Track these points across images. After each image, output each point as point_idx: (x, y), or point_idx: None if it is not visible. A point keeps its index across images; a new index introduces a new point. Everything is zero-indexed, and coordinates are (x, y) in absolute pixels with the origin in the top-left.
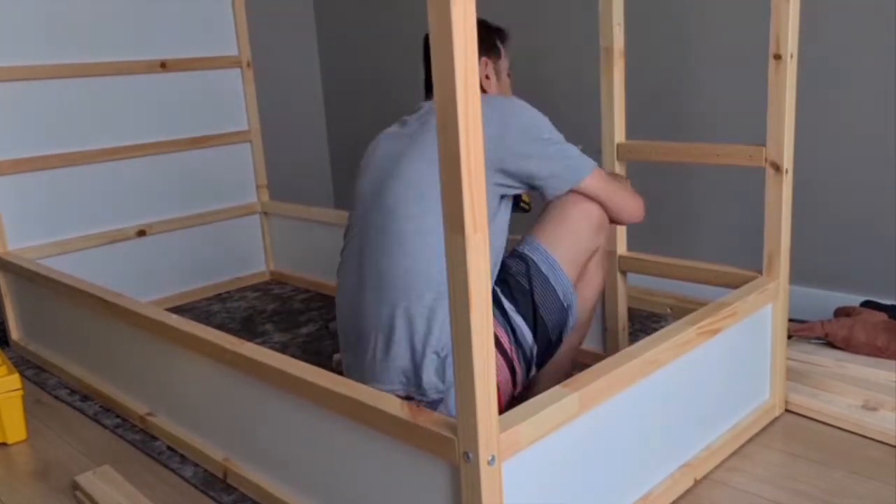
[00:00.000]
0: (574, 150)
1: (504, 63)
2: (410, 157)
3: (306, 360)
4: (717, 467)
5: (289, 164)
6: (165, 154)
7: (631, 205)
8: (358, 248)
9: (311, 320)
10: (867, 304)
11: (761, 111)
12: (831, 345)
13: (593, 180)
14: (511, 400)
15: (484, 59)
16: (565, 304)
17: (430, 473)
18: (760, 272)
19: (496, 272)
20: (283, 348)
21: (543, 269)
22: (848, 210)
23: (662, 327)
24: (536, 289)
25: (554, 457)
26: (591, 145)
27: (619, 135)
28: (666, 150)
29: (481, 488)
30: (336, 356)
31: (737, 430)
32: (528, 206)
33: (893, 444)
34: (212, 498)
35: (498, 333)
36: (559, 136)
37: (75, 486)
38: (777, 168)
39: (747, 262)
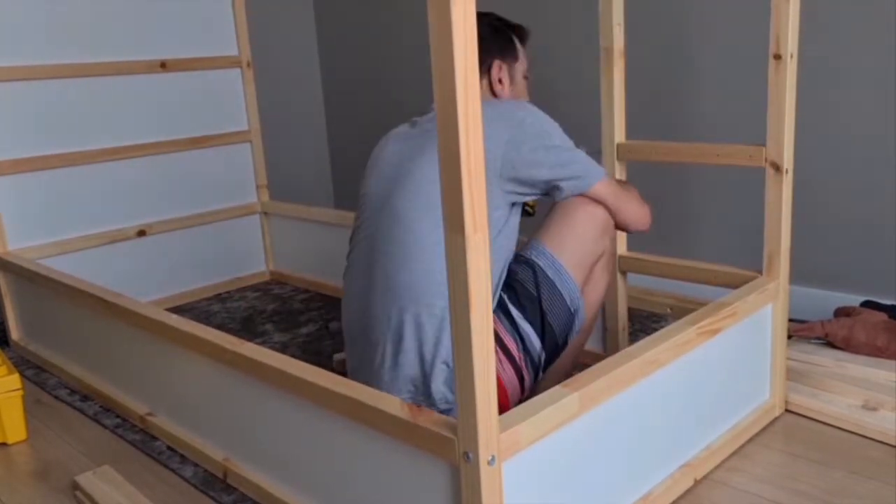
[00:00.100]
0: (584, 156)
1: (521, 65)
2: (419, 163)
3: (306, 360)
4: (717, 467)
5: (289, 164)
6: (165, 154)
7: (638, 212)
8: (366, 253)
9: (311, 320)
10: (867, 304)
11: (761, 111)
12: (831, 345)
13: (603, 187)
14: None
15: (497, 61)
16: (572, 309)
17: (430, 473)
18: (760, 272)
19: (503, 278)
20: (283, 348)
21: (550, 274)
22: (848, 210)
23: (662, 327)
24: (544, 295)
25: (554, 457)
26: (592, 146)
27: (619, 135)
28: (666, 150)
29: (481, 488)
30: (336, 356)
31: (737, 430)
32: (532, 210)
33: (893, 444)
34: (212, 498)
35: (506, 341)
36: (569, 143)
37: (75, 486)
38: (777, 168)
39: (747, 262)
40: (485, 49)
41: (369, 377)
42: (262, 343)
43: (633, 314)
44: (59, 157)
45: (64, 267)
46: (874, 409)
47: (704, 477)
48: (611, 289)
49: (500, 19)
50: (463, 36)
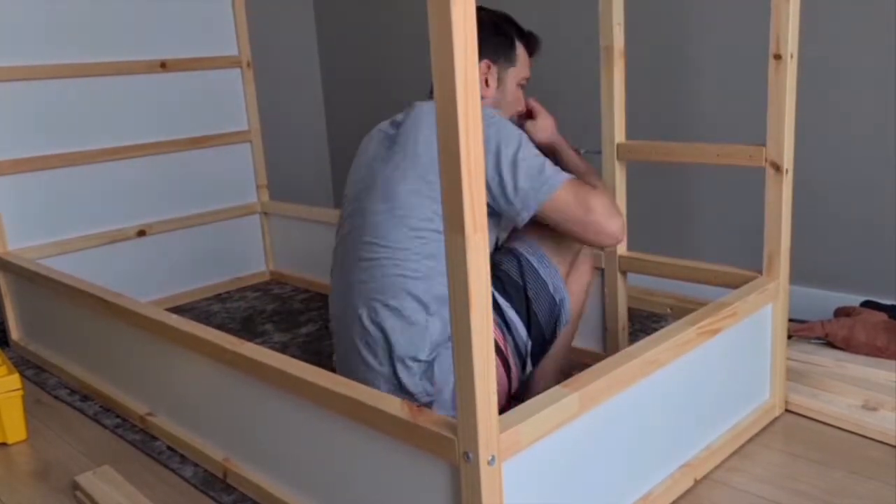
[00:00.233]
0: (544, 167)
1: (518, 72)
2: (384, 167)
3: (306, 360)
4: (717, 467)
5: (289, 164)
6: (165, 154)
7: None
8: (343, 253)
9: (311, 320)
10: (867, 304)
11: (761, 111)
12: (831, 345)
13: (565, 193)
14: (508, 398)
15: (486, 61)
16: (556, 298)
17: (430, 473)
18: (760, 272)
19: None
20: (283, 348)
21: (534, 262)
22: (848, 210)
23: (662, 327)
24: (529, 283)
25: (554, 457)
26: (592, 146)
27: (619, 135)
28: (666, 150)
29: (481, 488)
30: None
31: (737, 430)
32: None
33: (893, 444)
34: (212, 498)
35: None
36: (531, 158)
37: (75, 486)
38: (777, 168)
39: (747, 262)
40: (493, 47)
41: (349, 374)
42: (262, 343)
43: (633, 314)
44: (59, 157)
45: (64, 267)
46: (874, 409)
47: (704, 477)
48: (611, 289)
49: (509, 21)
50: (463, 36)
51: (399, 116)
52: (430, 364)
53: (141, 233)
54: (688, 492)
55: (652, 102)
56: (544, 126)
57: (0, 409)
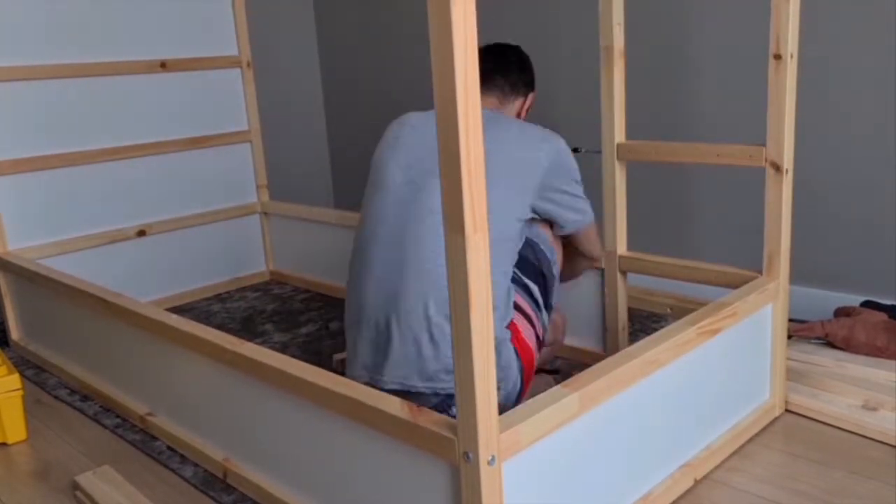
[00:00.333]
0: (585, 199)
1: (533, 97)
2: None
3: (306, 360)
4: (717, 467)
5: (289, 164)
6: (165, 154)
7: (598, 247)
8: (396, 241)
9: (311, 320)
10: (867, 304)
11: (761, 111)
12: (831, 345)
13: (592, 228)
14: (539, 347)
15: (533, 94)
16: (554, 273)
17: (430, 473)
18: (760, 272)
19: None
20: (283, 348)
21: (544, 248)
22: (848, 210)
23: (662, 327)
24: (543, 262)
25: (554, 457)
26: (592, 146)
27: (619, 135)
28: (666, 150)
29: (481, 488)
30: (336, 356)
31: (737, 430)
32: None
33: (893, 444)
34: (212, 498)
35: (525, 308)
36: (580, 185)
37: (75, 486)
38: (777, 168)
39: (747, 262)
40: (529, 79)
41: (398, 367)
42: (262, 343)
43: (633, 314)
44: (59, 157)
45: (64, 267)
46: (874, 409)
47: (704, 477)
48: (611, 289)
49: (528, 58)
50: (463, 36)
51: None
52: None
53: (141, 233)
54: (688, 492)
55: (652, 102)
56: None
57: (0, 409)
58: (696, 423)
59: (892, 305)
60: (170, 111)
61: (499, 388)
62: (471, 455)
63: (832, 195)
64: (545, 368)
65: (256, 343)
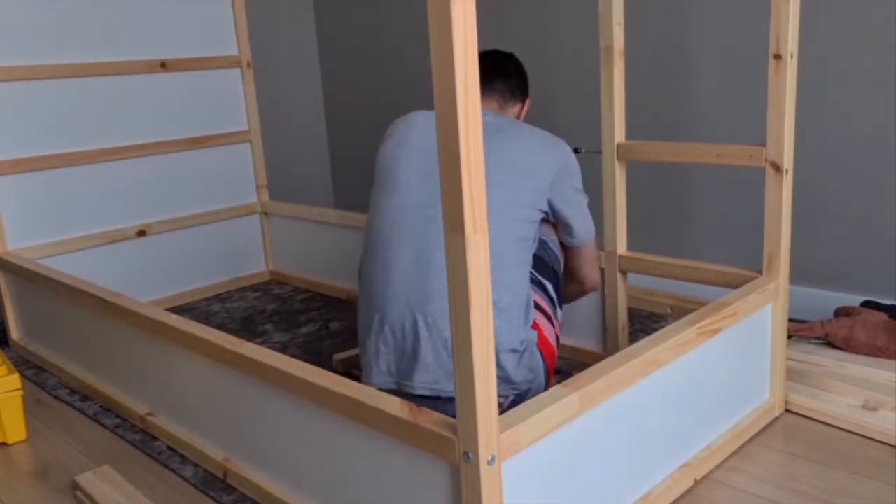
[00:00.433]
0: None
1: (530, 102)
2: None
3: (306, 360)
4: (717, 467)
5: (289, 164)
6: (165, 154)
7: (597, 273)
8: (419, 243)
9: (311, 320)
10: (867, 304)
11: (761, 111)
12: (831, 345)
13: (593, 240)
14: (557, 342)
15: (531, 100)
16: (560, 269)
17: (430, 473)
18: (760, 272)
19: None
20: (283, 348)
21: (554, 248)
22: (848, 210)
23: (662, 327)
24: (553, 261)
25: (554, 457)
26: (592, 146)
27: (619, 135)
28: (666, 150)
29: (481, 488)
30: (336, 356)
31: (737, 430)
32: None
33: (893, 444)
34: (212, 498)
35: (544, 306)
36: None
37: (75, 486)
38: (777, 168)
39: (747, 262)
40: (526, 84)
41: (427, 370)
42: (262, 343)
43: (633, 314)
44: (59, 157)
45: (64, 267)
46: (874, 409)
47: (704, 477)
48: (611, 289)
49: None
50: (463, 36)
51: None
52: (523, 353)
53: (141, 233)
54: (688, 492)
55: (652, 102)
56: None
57: (0, 409)
58: (696, 423)
59: (892, 305)
60: (170, 111)
61: (528, 390)
62: (471, 455)
63: (832, 195)
64: None
65: (256, 343)
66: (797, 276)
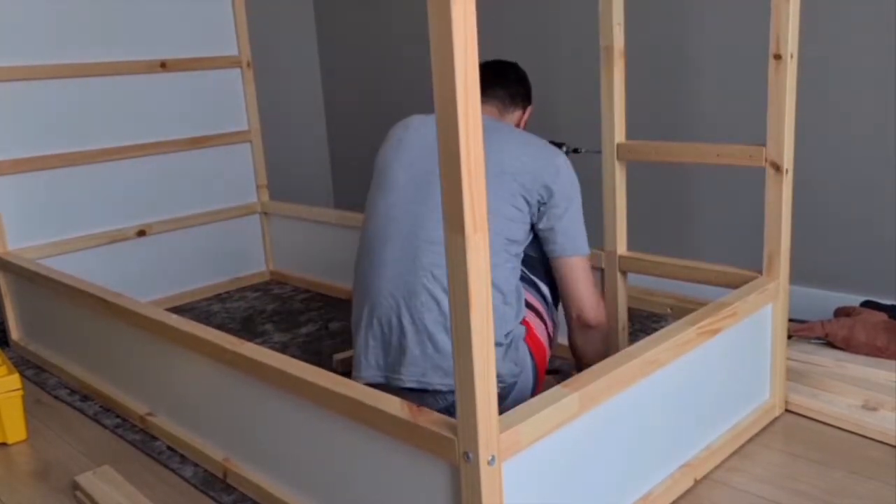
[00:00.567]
0: (583, 229)
1: (531, 110)
2: None
3: (306, 360)
4: (717, 467)
5: (289, 164)
6: (165, 154)
7: (596, 299)
8: (408, 239)
9: (311, 320)
10: (867, 304)
11: (761, 111)
12: (831, 345)
13: (582, 261)
14: (550, 343)
15: (531, 107)
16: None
17: (430, 473)
18: (760, 272)
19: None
20: (283, 348)
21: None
22: (848, 210)
23: (662, 327)
24: (538, 252)
25: (554, 457)
26: (592, 146)
27: (619, 135)
28: (666, 150)
29: (481, 488)
30: (336, 356)
31: (737, 430)
32: None
33: (893, 444)
34: (212, 498)
35: (536, 305)
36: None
37: (75, 486)
38: (777, 168)
39: (747, 262)
40: (527, 93)
41: (414, 366)
42: (262, 343)
43: (633, 314)
44: (59, 157)
45: (64, 267)
46: (874, 409)
47: (704, 477)
48: (611, 289)
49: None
50: (463, 36)
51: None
52: (508, 347)
53: (141, 233)
54: (688, 492)
55: (652, 102)
56: None
57: (0, 409)
58: (696, 423)
59: (892, 305)
60: (170, 111)
61: (514, 384)
62: (471, 455)
63: (832, 195)
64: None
65: (256, 343)
66: (797, 276)
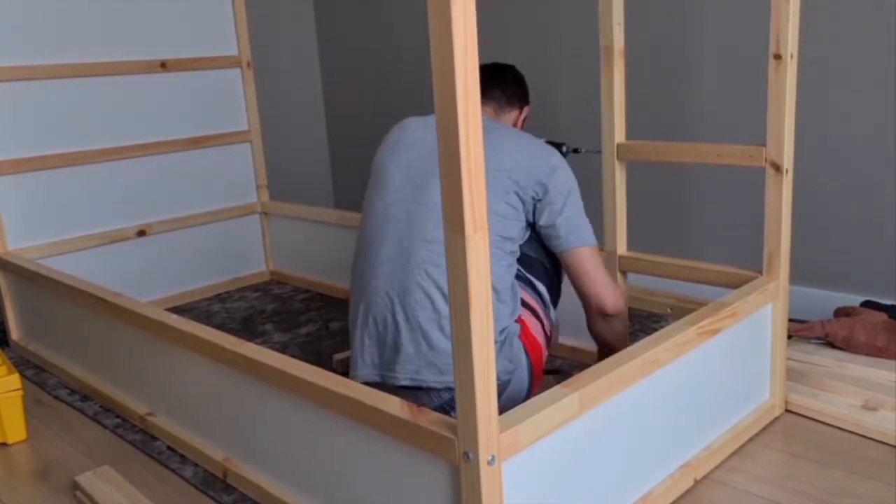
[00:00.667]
0: (585, 221)
1: (528, 110)
2: None
3: (306, 360)
4: (717, 467)
5: (289, 164)
6: (165, 154)
7: (610, 287)
8: (404, 239)
9: (311, 320)
10: (867, 304)
11: (761, 111)
12: (831, 345)
13: (591, 251)
14: (547, 343)
15: (529, 107)
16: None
17: (430, 473)
18: (760, 272)
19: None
20: (283, 348)
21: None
22: (848, 210)
23: (662, 327)
24: (548, 257)
25: (554, 457)
26: (592, 146)
27: (619, 135)
28: (666, 150)
29: (481, 488)
30: (336, 356)
31: (737, 430)
32: None
33: (893, 444)
34: (212, 498)
35: (532, 304)
36: (580, 203)
37: (75, 486)
38: (777, 168)
39: (747, 262)
40: (524, 93)
41: (409, 363)
42: (262, 343)
43: (633, 314)
44: (59, 157)
45: (64, 267)
46: (874, 409)
47: (704, 477)
48: None
49: (522, 76)
50: (463, 36)
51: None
52: (503, 344)
53: (141, 233)
54: (688, 492)
55: (652, 102)
56: None
57: (0, 409)
58: (696, 423)
59: (892, 305)
60: (170, 111)
61: (508, 381)
62: (471, 455)
63: (832, 195)
64: (545, 369)
65: (256, 343)
66: (797, 276)
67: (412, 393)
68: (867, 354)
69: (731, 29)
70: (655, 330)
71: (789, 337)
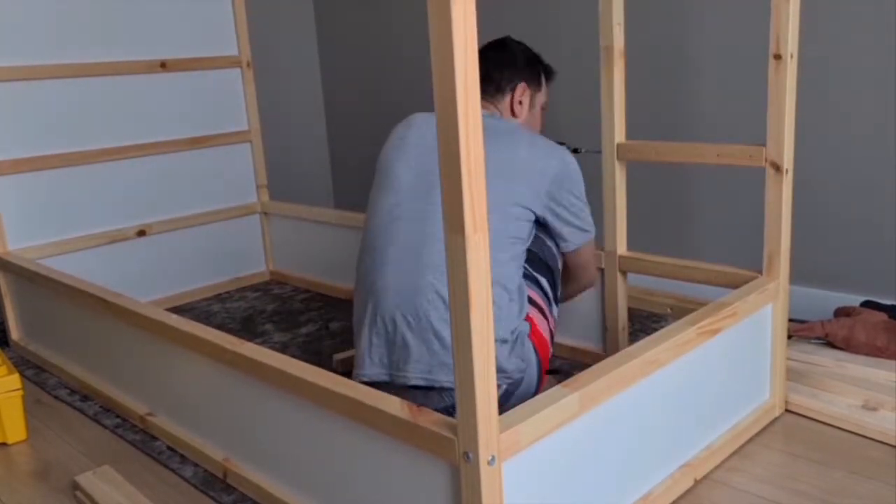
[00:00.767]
0: (588, 215)
1: (542, 97)
2: None
3: (306, 360)
4: (717, 467)
5: (289, 164)
6: (165, 154)
7: (595, 274)
8: (412, 238)
9: (311, 320)
10: (867, 304)
11: (761, 111)
12: (831, 345)
13: (591, 245)
14: (551, 337)
15: (523, 83)
16: (557, 253)
17: (430, 473)
18: (760, 272)
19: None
20: (283, 348)
21: (549, 243)
22: (848, 210)
23: (662, 327)
24: (548, 256)
25: (554, 457)
26: (592, 146)
27: (619, 135)
28: (666, 150)
29: (481, 488)
30: (336, 356)
31: (737, 430)
32: None
33: (893, 444)
34: (212, 498)
35: (538, 301)
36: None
37: (75, 486)
38: (777, 168)
39: (747, 262)
40: (516, 70)
41: (418, 363)
42: (262, 343)
43: (633, 314)
44: (59, 157)
45: (64, 267)
46: (874, 409)
47: (704, 477)
48: (611, 289)
49: (532, 51)
50: (463, 36)
51: None
52: (514, 343)
53: (141, 233)
54: (688, 492)
55: (652, 102)
56: None
57: (0, 409)
58: (696, 423)
59: (892, 305)
60: (170, 111)
61: (521, 380)
62: (471, 455)
63: (832, 195)
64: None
65: (256, 343)
66: (797, 276)
67: (423, 393)
68: (867, 354)
69: (731, 29)
70: (655, 330)
71: (789, 337)
